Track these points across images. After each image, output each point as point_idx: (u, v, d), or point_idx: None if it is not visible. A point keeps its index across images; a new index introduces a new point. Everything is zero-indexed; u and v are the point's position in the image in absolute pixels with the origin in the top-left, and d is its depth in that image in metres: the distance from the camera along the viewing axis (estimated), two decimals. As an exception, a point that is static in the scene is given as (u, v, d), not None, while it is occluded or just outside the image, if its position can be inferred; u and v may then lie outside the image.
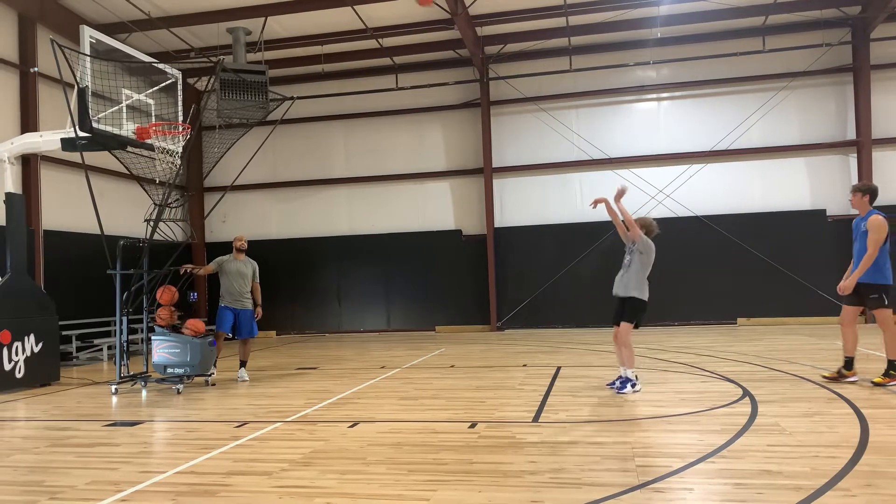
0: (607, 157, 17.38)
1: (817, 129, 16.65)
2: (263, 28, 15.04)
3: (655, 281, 18.65)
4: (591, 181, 17.60)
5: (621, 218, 7.96)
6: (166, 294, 9.17)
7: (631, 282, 7.93)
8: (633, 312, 7.88)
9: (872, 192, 7.71)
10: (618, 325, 7.96)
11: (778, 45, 16.48)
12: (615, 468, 4.64)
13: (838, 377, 7.77)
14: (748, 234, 16.48)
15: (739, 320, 16.44)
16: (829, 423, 5.78)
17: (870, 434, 5.32)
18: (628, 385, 7.63)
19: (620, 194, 7.86)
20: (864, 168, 15.93)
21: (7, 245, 9.83)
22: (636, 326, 7.91)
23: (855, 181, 16.11)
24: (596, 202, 8.06)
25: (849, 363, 7.74)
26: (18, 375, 9.46)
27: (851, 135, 16.36)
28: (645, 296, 7.91)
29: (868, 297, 7.51)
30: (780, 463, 4.62)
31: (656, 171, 17.21)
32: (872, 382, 7.46)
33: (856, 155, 16.27)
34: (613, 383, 7.90)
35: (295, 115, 17.88)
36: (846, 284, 7.51)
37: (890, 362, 7.42)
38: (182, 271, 9.72)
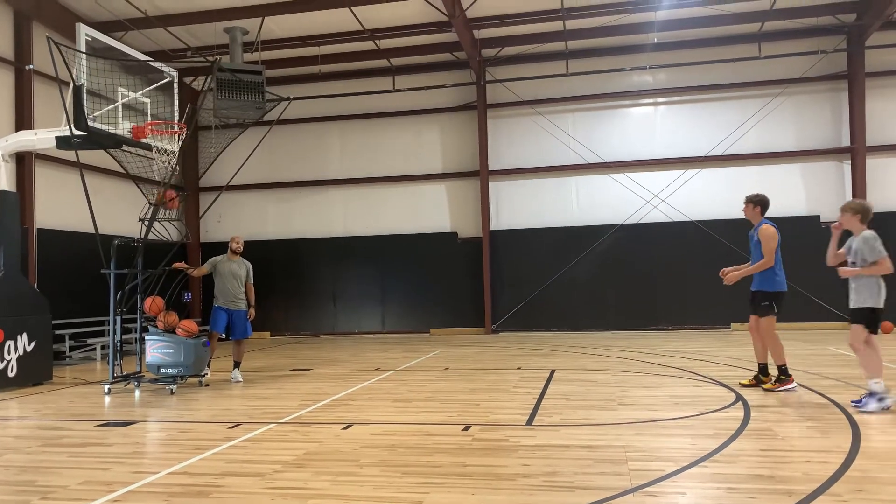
0: (603, 161, 17.42)
1: (812, 136, 16.72)
2: (260, 28, 15.03)
3: (652, 285, 18.69)
4: (587, 185, 17.65)
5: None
6: (154, 305, 9.11)
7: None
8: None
9: (763, 204, 8.00)
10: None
11: (774, 51, 16.55)
12: (608, 472, 4.65)
13: (756, 384, 7.96)
14: (743, 239, 16.45)
15: (733, 325, 16.48)
16: (821, 428, 5.80)
17: (861, 439, 5.34)
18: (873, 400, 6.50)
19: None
20: (859, 174, 16.01)
21: (0, 244, 9.79)
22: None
23: (849, 187, 16.21)
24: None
25: (763, 369, 7.99)
26: (11, 374, 9.42)
27: (846, 141, 16.43)
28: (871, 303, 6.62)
29: (759, 305, 7.80)
30: (773, 468, 4.63)
31: (652, 175, 17.26)
32: (763, 389, 7.69)
33: (850, 161, 16.34)
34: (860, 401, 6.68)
35: (291, 116, 17.88)
36: (731, 275, 7.89)
37: (780, 368, 7.71)
38: (177, 268, 9.66)
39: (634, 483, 4.37)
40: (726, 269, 8.02)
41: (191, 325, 9.08)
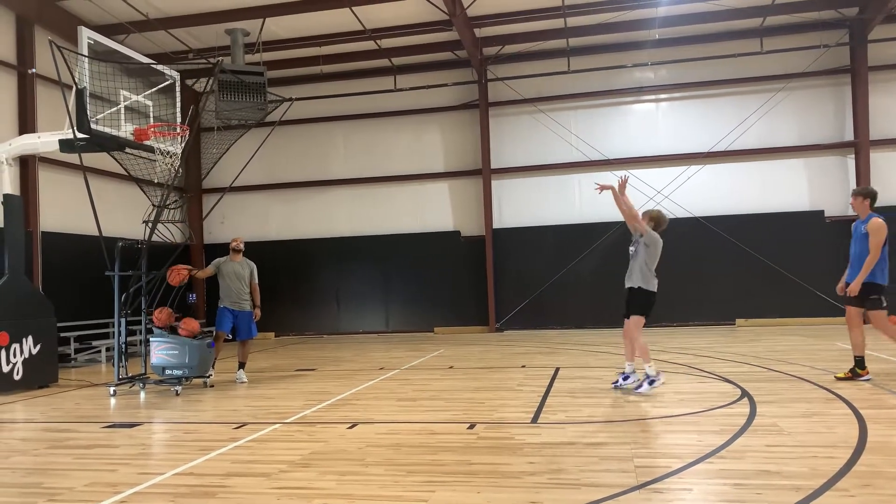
0: (605, 158, 17.39)
1: (815, 131, 16.68)
2: (262, 29, 15.04)
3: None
4: (590, 182, 17.44)
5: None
6: (163, 315, 9.12)
7: (635, 273, 7.79)
8: (638, 305, 7.78)
9: (872, 196, 7.83)
10: (627, 318, 7.89)
11: (776, 46, 16.51)
12: (614, 469, 4.64)
13: (852, 377, 7.83)
14: (746, 235, 16.50)
15: (738, 321, 16.45)
16: (827, 423, 5.78)
17: (868, 434, 5.32)
18: (645, 383, 7.50)
19: (622, 185, 7.75)
20: (862, 169, 15.96)
21: (5, 247, 9.81)
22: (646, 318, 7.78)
23: (853, 182, 16.16)
24: (602, 187, 7.87)
25: (860, 362, 7.83)
26: (17, 377, 9.44)
27: (849, 136, 16.38)
28: (651, 287, 7.77)
29: (867, 299, 7.61)
30: (779, 463, 4.62)
31: (655, 172, 17.23)
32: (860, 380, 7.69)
33: (854, 156, 16.29)
34: (617, 382, 7.85)
35: (293, 117, 17.87)
36: (854, 287, 7.55)
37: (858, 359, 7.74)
38: (177, 276, 9.59)
39: (640, 480, 4.37)
40: (850, 287, 7.63)
41: (191, 323, 9.08)
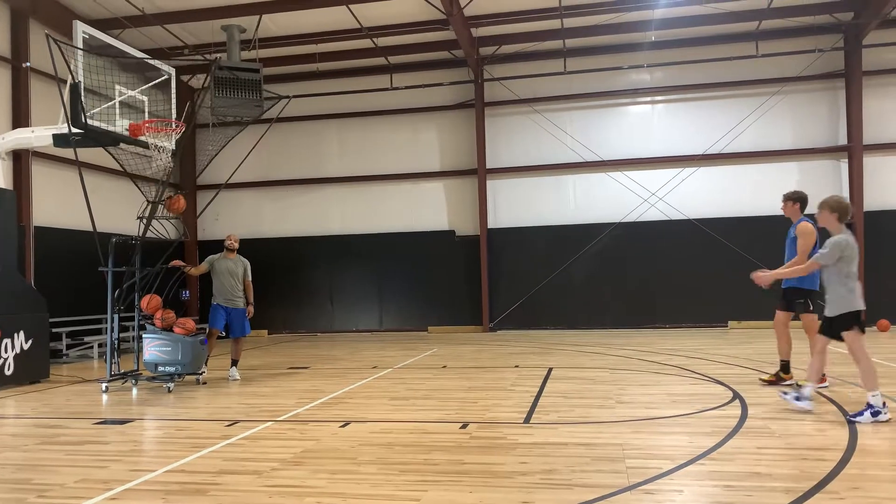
0: (601, 159, 17.42)
1: (809, 134, 16.74)
2: (258, 26, 15.00)
3: (649, 283, 18.70)
4: (585, 183, 17.66)
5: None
6: (152, 302, 9.09)
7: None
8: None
9: (803, 200, 7.97)
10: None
11: (771, 50, 16.56)
12: (606, 469, 4.66)
13: (776, 380, 7.97)
14: (740, 237, 16.55)
15: (730, 323, 16.51)
16: (818, 426, 5.81)
17: (858, 437, 5.35)
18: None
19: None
20: (856, 173, 16.04)
21: (-3, 241, 9.77)
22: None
23: (846, 186, 16.25)
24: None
25: (785, 367, 8.00)
26: (8, 372, 9.40)
27: (843, 140, 16.45)
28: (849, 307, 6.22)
29: (795, 302, 7.73)
30: (770, 465, 4.64)
31: (649, 173, 17.27)
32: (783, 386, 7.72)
33: (847, 160, 16.37)
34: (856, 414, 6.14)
35: (289, 114, 17.71)
36: (766, 277, 6.82)
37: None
38: (176, 266, 9.62)
39: (632, 481, 4.38)
40: (760, 275, 6.94)
41: (188, 322, 9.08)
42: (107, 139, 9.48)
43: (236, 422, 6.65)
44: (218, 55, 15.62)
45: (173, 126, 9.66)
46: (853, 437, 5.38)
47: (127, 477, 4.77)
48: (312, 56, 17.23)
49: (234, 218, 19.26)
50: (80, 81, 8.97)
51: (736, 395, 7.32)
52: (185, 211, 10.29)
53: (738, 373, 8.99)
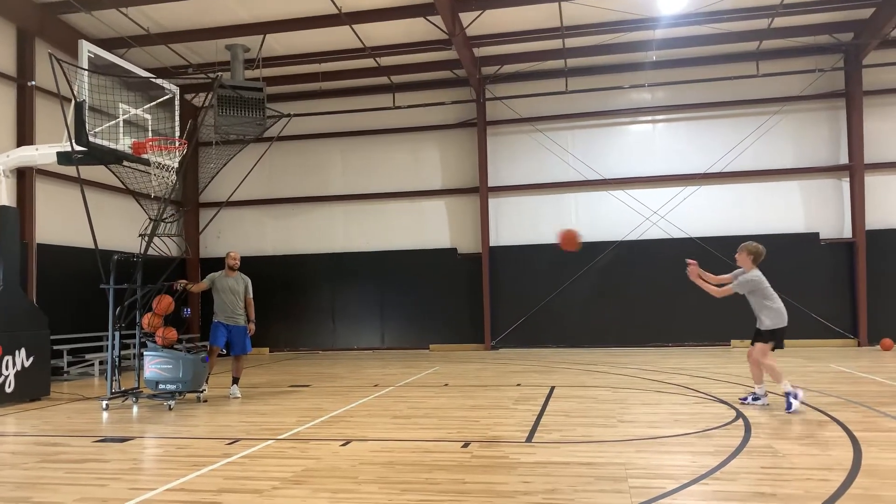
0: (602, 178, 17.47)
1: (811, 153, 16.79)
2: (262, 45, 15.13)
3: (652, 301, 18.62)
4: (587, 202, 17.69)
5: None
6: (163, 302, 9.10)
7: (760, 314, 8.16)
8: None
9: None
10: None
11: (772, 69, 16.66)
12: (608, 489, 4.62)
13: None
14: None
15: (733, 342, 16.44)
16: (821, 445, 5.77)
17: (863, 457, 5.31)
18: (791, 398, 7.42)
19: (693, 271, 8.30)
20: (857, 192, 16.05)
21: (0, 258, 9.78)
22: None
23: (848, 205, 16.26)
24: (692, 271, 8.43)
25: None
26: (8, 390, 9.37)
27: (844, 159, 16.49)
28: (773, 323, 8.00)
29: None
30: (774, 485, 4.61)
31: (651, 192, 17.30)
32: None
33: (849, 179, 16.40)
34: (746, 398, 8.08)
35: (292, 133, 17.95)
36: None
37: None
38: (174, 287, 9.63)
39: (635, 500, 4.35)
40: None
41: (169, 332, 9.03)
42: (110, 157, 9.53)
43: (237, 440, 6.62)
44: (221, 74, 15.73)
45: (176, 144, 9.71)
46: (858, 456, 5.34)
47: (127, 496, 4.74)
48: (316, 75, 17.36)
49: (236, 235, 19.30)
50: (84, 100, 9.04)
51: (739, 415, 7.28)
52: (188, 227, 10.32)
53: (741, 392, 8.93)
